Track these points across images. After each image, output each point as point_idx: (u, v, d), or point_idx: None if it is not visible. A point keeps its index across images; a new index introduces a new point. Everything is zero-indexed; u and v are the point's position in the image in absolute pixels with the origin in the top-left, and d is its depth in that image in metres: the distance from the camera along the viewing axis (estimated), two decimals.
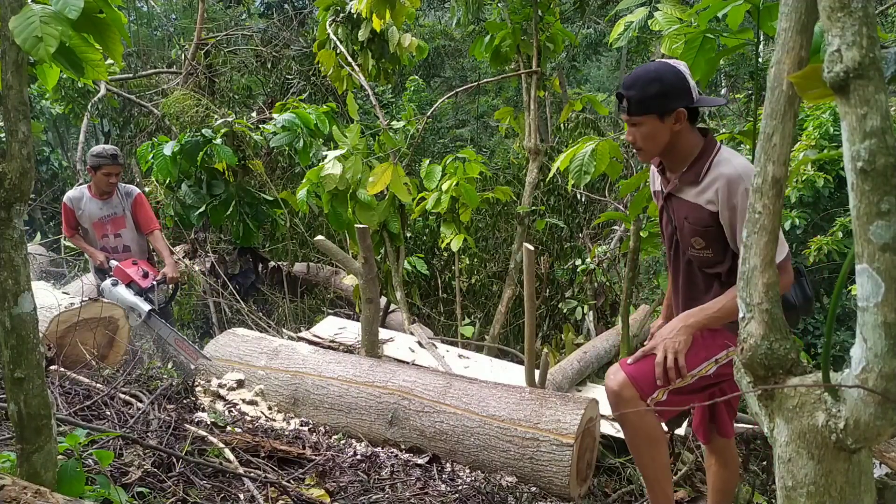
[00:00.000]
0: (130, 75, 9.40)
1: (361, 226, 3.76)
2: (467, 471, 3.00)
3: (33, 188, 1.74)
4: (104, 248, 4.66)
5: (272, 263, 7.16)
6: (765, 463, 3.63)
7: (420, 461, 3.05)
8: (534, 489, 2.84)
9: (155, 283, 4.50)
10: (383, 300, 5.53)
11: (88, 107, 8.38)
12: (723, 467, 2.55)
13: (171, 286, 4.70)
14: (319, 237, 3.84)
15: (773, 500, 3.13)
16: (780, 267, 2.04)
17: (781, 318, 1.09)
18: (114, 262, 4.51)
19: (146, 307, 4.31)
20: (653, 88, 2.10)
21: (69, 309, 3.68)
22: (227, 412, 3.31)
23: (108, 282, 4.38)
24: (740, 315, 1.12)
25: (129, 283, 4.41)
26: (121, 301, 4.20)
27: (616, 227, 6.71)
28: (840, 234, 5.47)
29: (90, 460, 2.13)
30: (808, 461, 1.01)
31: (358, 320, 4.54)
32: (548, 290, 6.44)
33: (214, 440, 2.68)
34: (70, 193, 4.67)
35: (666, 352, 2.13)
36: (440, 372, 3.72)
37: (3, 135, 5.12)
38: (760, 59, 5.11)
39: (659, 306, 5.33)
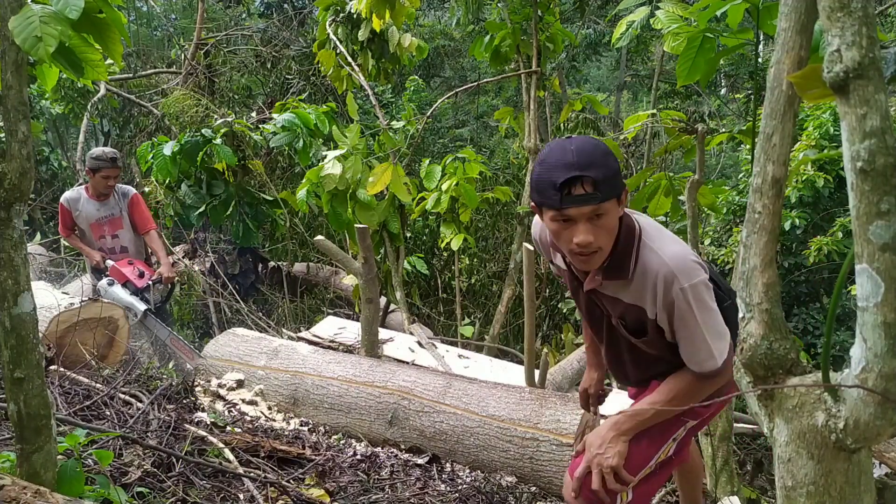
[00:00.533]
0: (130, 75, 9.40)
1: (361, 226, 3.77)
2: (467, 471, 3.00)
3: (33, 188, 1.74)
4: (101, 249, 4.66)
5: (272, 263, 7.16)
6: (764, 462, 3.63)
7: (420, 461, 3.05)
8: (533, 489, 2.84)
9: (150, 282, 4.51)
10: (383, 300, 5.53)
11: (88, 107, 8.38)
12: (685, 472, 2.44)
13: (167, 286, 4.70)
14: (319, 237, 3.85)
15: (771, 499, 3.13)
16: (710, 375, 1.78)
17: (781, 318, 1.09)
18: (110, 262, 4.51)
19: (142, 307, 4.32)
20: (613, 164, 1.63)
21: (69, 309, 3.68)
22: (226, 412, 3.31)
23: (104, 281, 4.39)
24: (740, 315, 1.12)
25: (125, 283, 4.42)
26: (117, 300, 4.21)
27: None
28: (840, 235, 5.47)
29: (90, 460, 2.13)
30: (808, 461, 1.01)
31: (358, 320, 4.54)
32: (547, 290, 6.45)
33: (214, 440, 2.68)
34: (67, 194, 4.67)
35: (602, 473, 1.79)
36: (440, 372, 3.72)
37: (2, 135, 5.12)
38: (760, 59, 5.12)
39: None
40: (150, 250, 4.87)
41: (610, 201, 1.63)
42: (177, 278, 5.15)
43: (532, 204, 1.72)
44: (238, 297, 6.13)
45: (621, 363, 2.04)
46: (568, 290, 2.05)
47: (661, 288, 1.71)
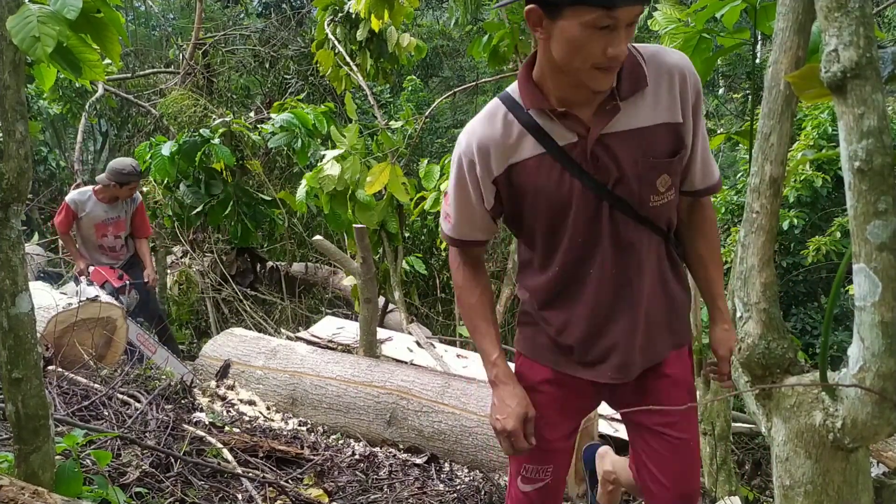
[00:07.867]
0: (128, 75, 9.38)
1: (360, 226, 3.76)
2: (466, 470, 3.00)
3: (31, 188, 1.74)
4: (101, 247, 4.76)
5: (270, 263, 7.15)
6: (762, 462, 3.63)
7: (418, 461, 3.05)
8: None
9: (127, 283, 4.61)
10: (381, 300, 5.53)
11: (86, 107, 8.36)
12: None
13: (152, 289, 4.89)
14: (318, 237, 3.85)
15: (769, 498, 3.13)
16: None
17: (779, 318, 1.09)
18: (92, 268, 4.64)
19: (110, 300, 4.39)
20: None
21: (67, 309, 3.67)
22: (225, 412, 3.31)
23: (83, 282, 4.48)
24: (738, 314, 1.12)
25: (104, 284, 4.53)
26: (85, 295, 4.27)
27: None
28: (838, 234, 5.47)
29: (88, 461, 2.12)
30: (806, 460, 1.02)
31: (356, 320, 4.54)
32: None
33: (212, 440, 2.67)
34: (75, 196, 4.72)
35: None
36: (438, 371, 3.72)
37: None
38: (758, 59, 5.12)
39: None
40: (140, 254, 4.99)
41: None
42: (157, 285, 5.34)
43: (533, 8, 1.29)
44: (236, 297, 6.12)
45: (630, 292, 1.49)
46: (536, 208, 1.49)
47: (691, 80, 1.43)
